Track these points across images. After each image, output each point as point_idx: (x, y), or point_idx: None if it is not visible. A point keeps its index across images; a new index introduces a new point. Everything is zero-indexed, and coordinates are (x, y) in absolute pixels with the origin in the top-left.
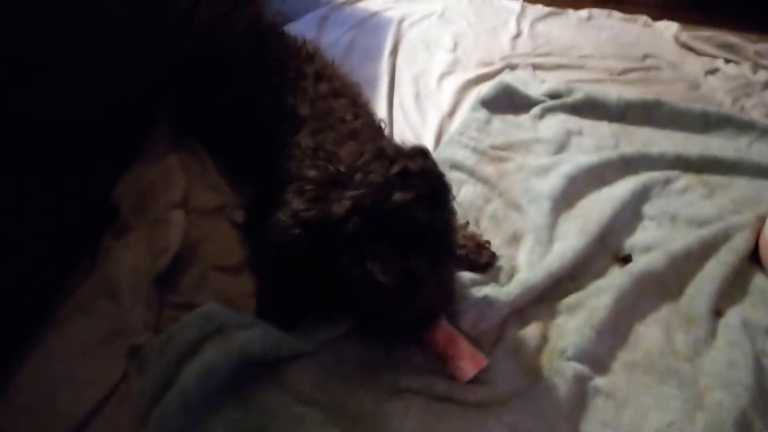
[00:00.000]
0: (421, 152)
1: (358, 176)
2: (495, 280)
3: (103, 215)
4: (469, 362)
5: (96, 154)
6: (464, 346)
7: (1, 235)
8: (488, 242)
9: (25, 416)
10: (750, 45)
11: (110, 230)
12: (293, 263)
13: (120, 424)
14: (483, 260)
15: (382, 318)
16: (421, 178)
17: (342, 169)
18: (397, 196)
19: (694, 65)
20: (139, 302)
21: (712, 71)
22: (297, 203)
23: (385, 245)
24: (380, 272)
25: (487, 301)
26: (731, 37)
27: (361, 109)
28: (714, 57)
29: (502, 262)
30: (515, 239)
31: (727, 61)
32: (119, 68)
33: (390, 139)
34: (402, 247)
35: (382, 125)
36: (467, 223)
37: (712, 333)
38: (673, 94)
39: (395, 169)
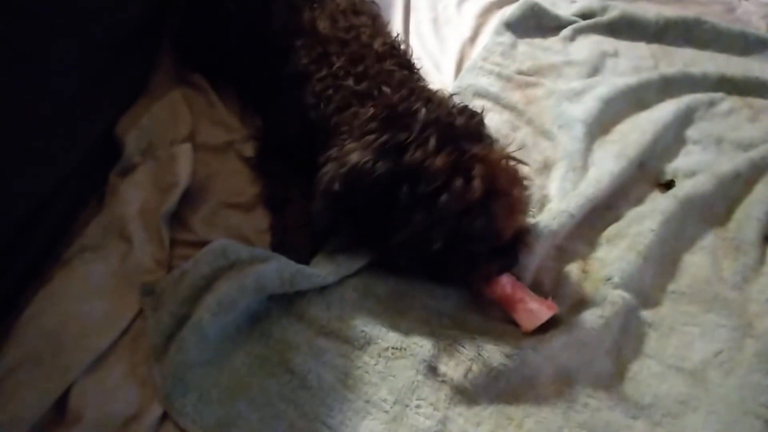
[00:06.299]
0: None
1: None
2: None
3: (108, 152)
4: (542, 305)
5: (100, 87)
6: (530, 291)
7: (6, 172)
8: None
9: (34, 354)
10: None
11: (116, 168)
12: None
13: (136, 360)
14: None
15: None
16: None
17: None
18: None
19: None
20: (150, 241)
21: None
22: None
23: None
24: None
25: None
26: None
27: (383, 31)
28: None
29: (531, 192)
30: (546, 167)
31: None
32: None
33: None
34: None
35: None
36: None
37: (762, 259)
38: (710, 16)
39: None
